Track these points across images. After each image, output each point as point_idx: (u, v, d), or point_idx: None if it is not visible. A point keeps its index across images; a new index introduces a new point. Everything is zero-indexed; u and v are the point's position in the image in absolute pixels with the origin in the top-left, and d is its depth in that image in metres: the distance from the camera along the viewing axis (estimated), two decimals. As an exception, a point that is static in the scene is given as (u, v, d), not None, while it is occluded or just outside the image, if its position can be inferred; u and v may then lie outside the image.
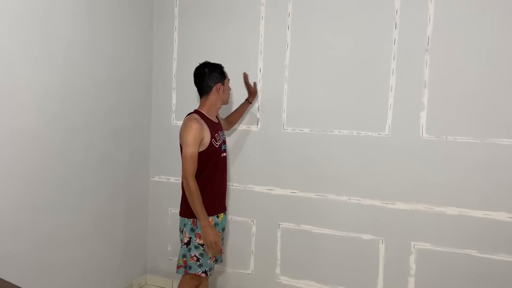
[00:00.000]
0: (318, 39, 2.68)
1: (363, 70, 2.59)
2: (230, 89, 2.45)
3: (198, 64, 2.38)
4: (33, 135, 2.17)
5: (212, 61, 2.42)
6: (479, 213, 2.40)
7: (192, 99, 2.96)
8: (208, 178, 2.26)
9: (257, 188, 2.89)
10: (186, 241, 2.25)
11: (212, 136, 2.24)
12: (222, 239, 2.41)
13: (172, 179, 3.11)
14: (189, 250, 2.23)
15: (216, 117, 2.42)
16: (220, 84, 2.31)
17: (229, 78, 2.47)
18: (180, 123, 2.87)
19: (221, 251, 2.25)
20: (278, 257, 2.86)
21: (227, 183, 2.66)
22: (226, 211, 2.53)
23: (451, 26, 2.41)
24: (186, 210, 2.24)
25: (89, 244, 2.63)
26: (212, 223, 2.27)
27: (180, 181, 2.29)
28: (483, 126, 2.37)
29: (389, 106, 2.54)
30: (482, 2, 2.34)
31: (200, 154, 2.21)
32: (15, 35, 2.04)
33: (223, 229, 2.43)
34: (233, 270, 2.99)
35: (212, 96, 2.31)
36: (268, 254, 2.88)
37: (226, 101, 2.42)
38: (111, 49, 2.70)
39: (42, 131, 2.22)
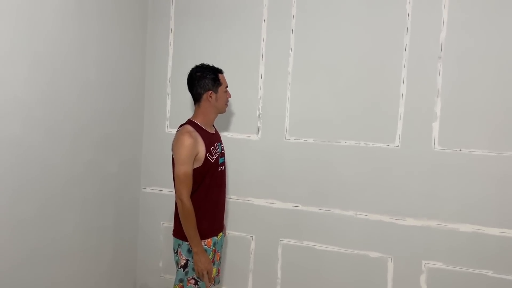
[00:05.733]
0: (324, 44, 2.54)
1: (372, 78, 2.45)
2: (229, 96, 2.22)
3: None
4: (14, 143, 1.96)
5: (211, 65, 2.22)
6: (495, 231, 2.27)
7: (188, 106, 2.79)
8: (205, 196, 2.06)
9: (257, 201, 2.71)
10: (182, 263, 2.05)
11: (208, 150, 2.04)
12: (220, 258, 2.22)
13: (165, 191, 2.91)
14: (186, 273, 2.03)
15: (213, 126, 2.23)
16: (211, 92, 2.08)
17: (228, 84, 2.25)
18: (174, 131, 2.68)
19: (212, 280, 2.08)
20: (279, 275, 2.68)
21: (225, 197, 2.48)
22: (225, 228, 2.34)
23: (465, 32, 2.29)
24: (181, 231, 2.04)
25: (74, 262, 2.41)
26: (211, 243, 2.08)
27: (174, 193, 2.09)
28: (500, 138, 2.24)
29: (399, 116, 2.41)
30: (499, 6, 2.23)
31: (195, 171, 2.00)
32: (-4, 32, 1.85)
33: (221, 247, 2.24)
34: (229, 289, 2.80)
35: (204, 104, 2.10)
36: (268, 272, 2.70)
37: (221, 110, 2.18)
38: (101, 50, 2.51)
39: (24, 138, 2.02)
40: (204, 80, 2.08)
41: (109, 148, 2.64)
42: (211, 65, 2.16)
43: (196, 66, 2.15)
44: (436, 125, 2.34)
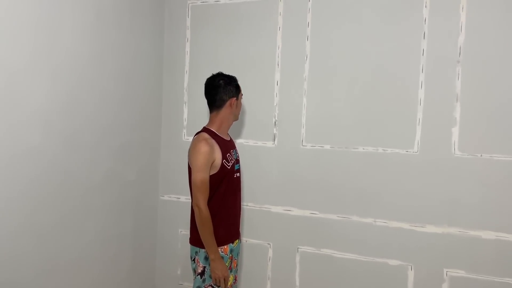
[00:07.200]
0: (340, 50, 2.53)
1: (389, 83, 2.43)
2: (241, 104, 2.27)
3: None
4: (35, 152, 2.01)
5: (226, 73, 2.24)
6: (519, 238, 2.21)
7: (205, 114, 2.80)
8: (221, 203, 2.07)
9: (274, 209, 2.71)
10: (200, 271, 2.06)
11: (224, 157, 2.06)
12: (237, 265, 2.22)
13: (182, 198, 2.94)
14: (204, 281, 2.04)
15: (227, 133, 2.25)
16: (234, 98, 2.13)
17: (243, 93, 2.30)
18: (191, 139, 2.70)
19: (230, 287, 2.09)
20: (297, 283, 2.66)
21: (241, 204, 2.48)
22: (240, 235, 2.34)
23: (484, 35, 2.25)
24: (198, 238, 2.05)
25: (94, 269, 2.45)
26: (228, 250, 2.08)
27: (191, 200, 2.11)
28: (522, 143, 2.19)
29: (418, 121, 2.37)
30: (519, 10, 2.19)
31: (211, 177, 2.02)
32: (19, 46, 1.89)
33: (238, 254, 2.24)
34: (247, 297, 2.79)
35: (224, 111, 2.13)
36: (286, 280, 2.69)
37: (237, 116, 2.24)
38: (119, 60, 2.55)
39: (45, 148, 2.06)
40: (229, 87, 2.12)
41: (127, 156, 2.68)
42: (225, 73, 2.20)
43: (216, 75, 2.17)
44: (455, 130, 2.31)
